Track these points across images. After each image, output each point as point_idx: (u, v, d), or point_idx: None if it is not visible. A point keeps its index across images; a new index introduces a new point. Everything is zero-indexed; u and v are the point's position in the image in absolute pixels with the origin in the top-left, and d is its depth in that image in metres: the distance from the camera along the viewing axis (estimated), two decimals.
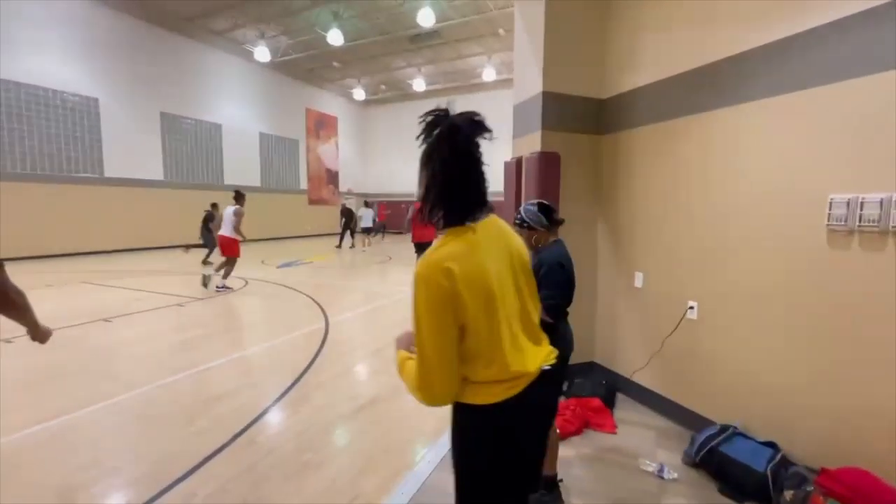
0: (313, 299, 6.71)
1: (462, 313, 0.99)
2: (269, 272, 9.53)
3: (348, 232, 15.31)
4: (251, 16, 14.15)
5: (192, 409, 3.09)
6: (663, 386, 3.01)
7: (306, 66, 18.57)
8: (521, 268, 1.15)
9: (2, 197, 10.38)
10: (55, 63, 11.60)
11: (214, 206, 9.99)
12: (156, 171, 14.13)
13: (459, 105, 1.07)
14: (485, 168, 1.07)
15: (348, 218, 15.24)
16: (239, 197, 7.41)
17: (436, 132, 1.04)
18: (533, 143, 3.36)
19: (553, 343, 1.24)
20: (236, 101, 16.98)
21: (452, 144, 1.02)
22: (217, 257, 8.37)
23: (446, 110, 1.04)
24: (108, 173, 12.81)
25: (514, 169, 3.54)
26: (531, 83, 3.38)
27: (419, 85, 19.46)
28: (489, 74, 17.61)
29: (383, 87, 22.03)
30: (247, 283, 8.17)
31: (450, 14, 13.58)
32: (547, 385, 1.14)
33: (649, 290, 3.09)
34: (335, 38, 14.02)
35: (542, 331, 1.21)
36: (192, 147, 15.33)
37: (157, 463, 2.43)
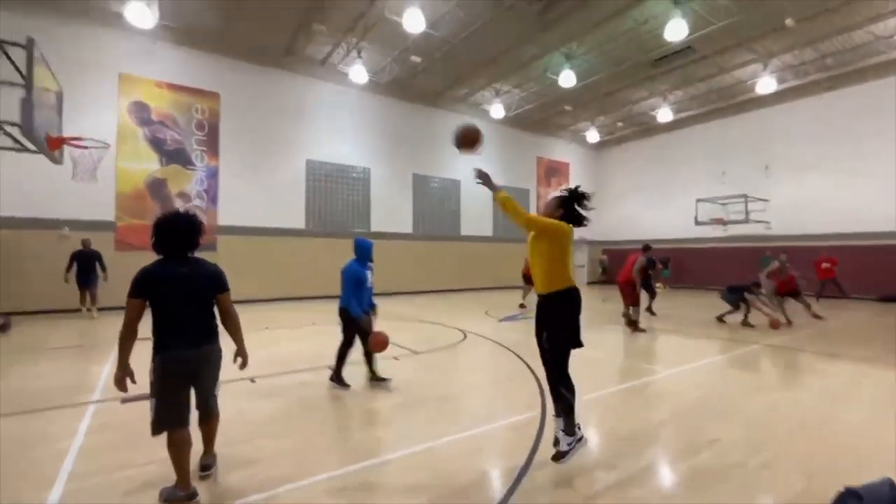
0: (530, 368, 5.48)
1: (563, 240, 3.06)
2: (490, 326, 8.89)
3: None
4: (488, 77, 15.03)
5: None
6: None
7: (537, 116, 18.61)
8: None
9: (309, 250, 13.48)
10: (344, 143, 14.79)
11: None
12: (406, 225, 16.16)
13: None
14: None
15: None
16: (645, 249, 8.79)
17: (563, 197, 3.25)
18: None
19: None
20: (474, 157, 18.22)
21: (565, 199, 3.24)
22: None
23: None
24: (373, 228, 15.29)
25: None
26: None
27: (665, 115, 16.88)
28: (766, 85, 13.73)
29: (620, 124, 20.18)
30: (465, 336, 7.67)
31: (709, 20, 11.11)
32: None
33: None
34: (567, 79, 13.40)
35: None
36: (435, 203, 17.06)
37: None
